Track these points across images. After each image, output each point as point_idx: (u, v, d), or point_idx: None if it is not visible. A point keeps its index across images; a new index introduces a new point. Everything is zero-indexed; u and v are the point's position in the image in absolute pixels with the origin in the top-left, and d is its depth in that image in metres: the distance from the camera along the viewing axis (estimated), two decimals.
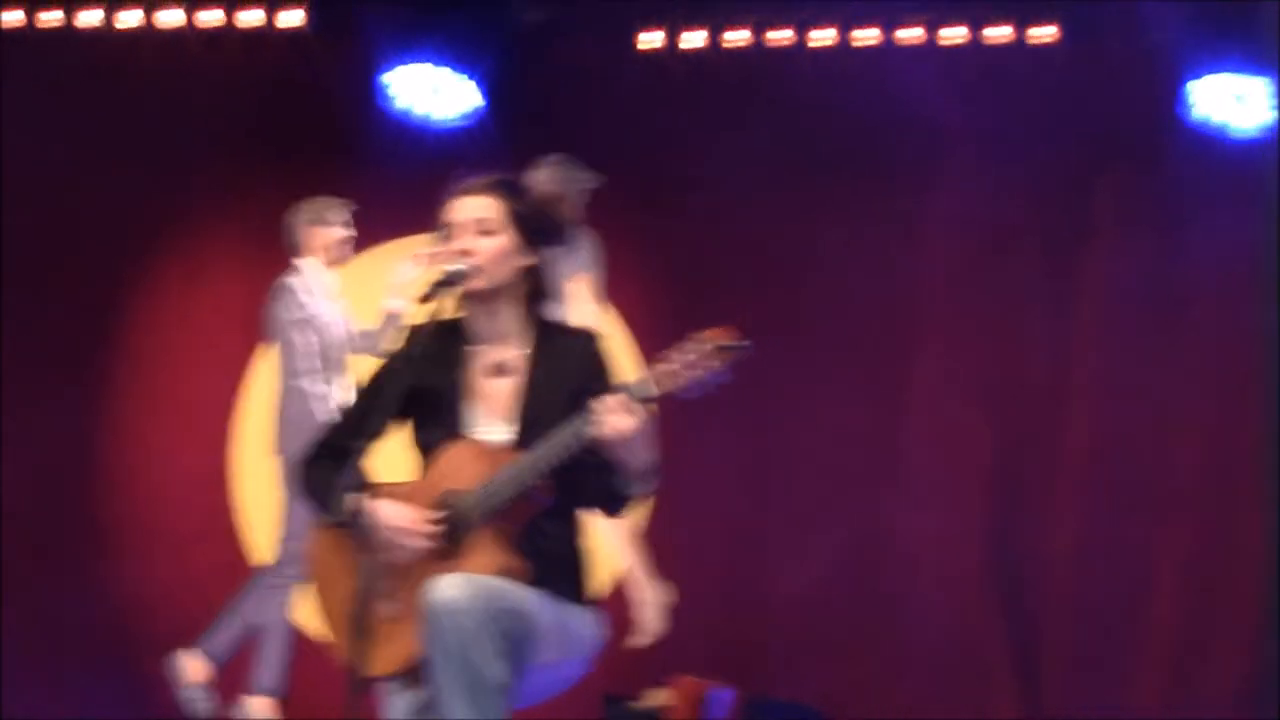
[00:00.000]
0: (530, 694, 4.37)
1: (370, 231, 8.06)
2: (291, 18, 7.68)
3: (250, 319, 8.04)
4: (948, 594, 8.02)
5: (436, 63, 7.52)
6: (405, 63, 7.55)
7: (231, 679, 7.84)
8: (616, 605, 7.62)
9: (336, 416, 4.88)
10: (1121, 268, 7.96)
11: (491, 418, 4.53)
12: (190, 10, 7.71)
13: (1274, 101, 7.56)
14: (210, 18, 7.71)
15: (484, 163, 4.79)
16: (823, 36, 7.70)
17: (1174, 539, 7.96)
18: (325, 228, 7.86)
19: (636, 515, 7.73)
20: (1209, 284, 7.89)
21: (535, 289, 4.62)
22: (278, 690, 7.78)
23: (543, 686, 4.43)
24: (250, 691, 7.78)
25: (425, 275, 5.07)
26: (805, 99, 7.85)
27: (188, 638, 7.88)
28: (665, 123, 8.04)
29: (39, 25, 7.93)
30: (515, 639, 4.23)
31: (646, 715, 7.56)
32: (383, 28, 7.61)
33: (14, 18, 7.99)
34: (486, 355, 4.58)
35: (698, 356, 4.22)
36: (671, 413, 5.20)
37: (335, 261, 7.89)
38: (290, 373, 7.78)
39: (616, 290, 8.00)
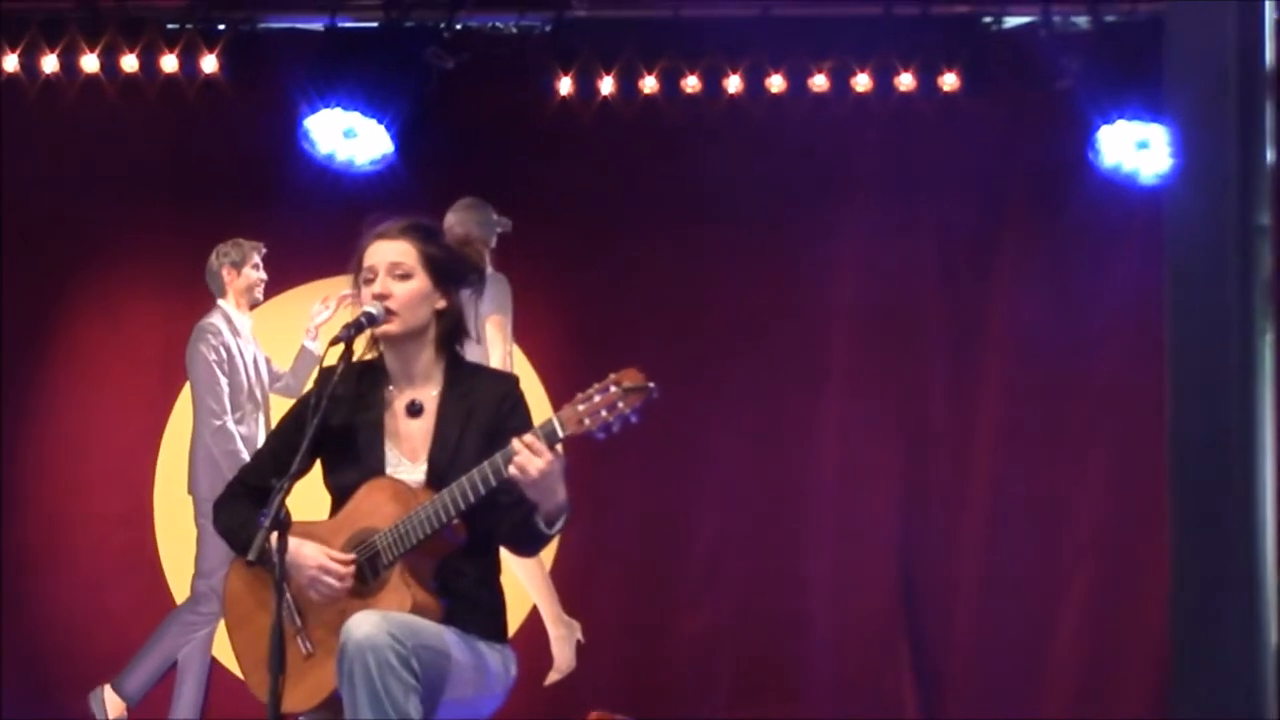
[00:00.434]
0: None
1: (287, 274, 8.11)
2: (207, 64, 7.74)
3: (169, 359, 8.06)
4: (855, 628, 8.07)
5: (348, 108, 7.56)
6: (319, 108, 7.58)
7: (148, 716, 7.87)
8: (529, 642, 7.70)
9: (253, 456, 4.95)
10: (1025, 314, 8.01)
11: (406, 458, 4.58)
12: (108, 58, 7.75)
13: (1170, 149, 7.53)
14: (128, 64, 7.76)
15: (397, 206, 4.85)
16: (731, 84, 7.80)
17: (1077, 577, 8.04)
18: (242, 269, 7.96)
19: (547, 553, 7.81)
20: (1113, 330, 7.95)
21: (450, 331, 4.66)
22: None
23: None
24: None
25: (341, 317, 5.14)
26: (712, 145, 7.91)
27: (105, 675, 7.91)
28: (574, 168, 8.10)
29: None
30: (429, 676, 4.27)
31: None
32: (296, 74, 7.66)
33: None
34: (403, 396, 4.63)
35: (606, 398, 4.26)
36: (581, 453, 5.31)
37: (252, 303, 7.99)
38: (207, 412, 7.86)
39: (526, 332, 8.09)
